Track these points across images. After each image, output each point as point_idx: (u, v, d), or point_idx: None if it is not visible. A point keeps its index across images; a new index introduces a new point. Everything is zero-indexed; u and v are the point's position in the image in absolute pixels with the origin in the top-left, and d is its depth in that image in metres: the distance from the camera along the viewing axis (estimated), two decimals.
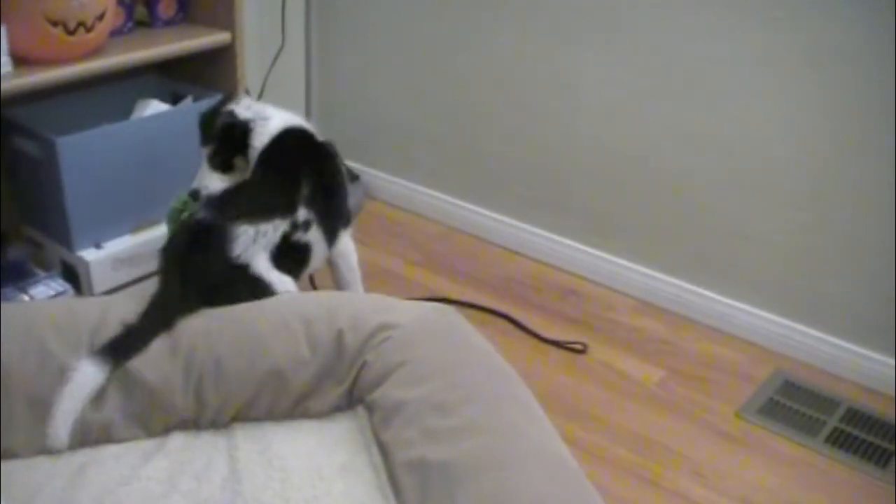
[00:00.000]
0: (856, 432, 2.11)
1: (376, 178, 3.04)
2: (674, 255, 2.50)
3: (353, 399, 1.46)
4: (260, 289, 1.62)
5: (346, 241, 1.94)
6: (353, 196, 2.86)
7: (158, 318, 1.47)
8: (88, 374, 1.38)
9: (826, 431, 2.11)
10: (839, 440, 2.08)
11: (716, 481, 1.94)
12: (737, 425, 2.11)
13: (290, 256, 1.72)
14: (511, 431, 1.27)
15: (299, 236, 1.75)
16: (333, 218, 1.86)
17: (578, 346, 2.34)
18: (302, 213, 1.75)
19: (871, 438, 2.10)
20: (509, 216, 2.79)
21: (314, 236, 1.79)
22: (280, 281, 1.67)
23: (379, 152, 3.02)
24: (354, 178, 2.97)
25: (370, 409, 1.42)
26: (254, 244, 1.64)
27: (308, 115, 3.05)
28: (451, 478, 1.20)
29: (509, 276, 2.66)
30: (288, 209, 1.73)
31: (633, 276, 2.57)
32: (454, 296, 2.51)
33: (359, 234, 2.76)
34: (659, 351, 2.36)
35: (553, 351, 2.33)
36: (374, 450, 1.36)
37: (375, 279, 2.47)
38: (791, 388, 2.25)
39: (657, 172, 2.45)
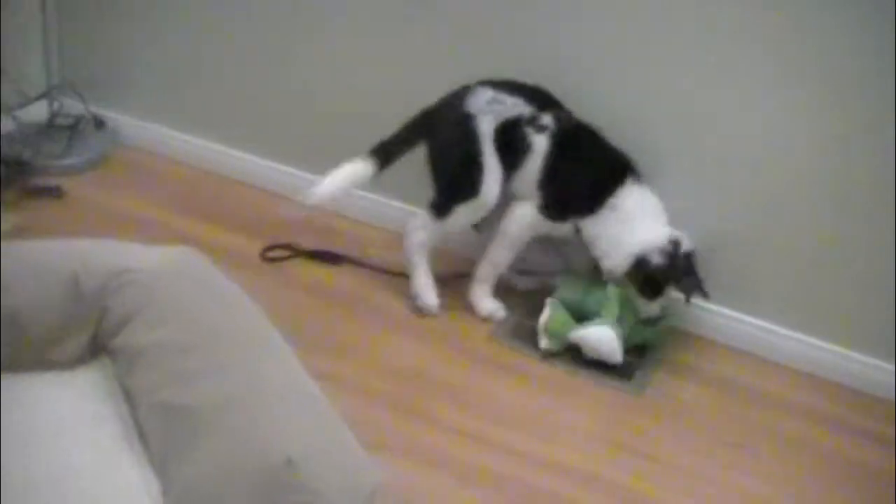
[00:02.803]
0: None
1: (128, 124, 2.86)
2: None
3: (97, 348, 1.42)
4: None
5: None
6: (101, 143, 2.70)
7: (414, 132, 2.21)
8: (359, 165, 2.18)
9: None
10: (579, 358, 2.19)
11: (475, 407, 2.04)
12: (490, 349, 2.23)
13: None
14: (256, 371, 1.29)
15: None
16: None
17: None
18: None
19: None
20: (274, 160, 2.72)
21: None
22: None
23: (130, 96, 2.85)
24: (100, 124, 2.81)
25: (114, 356, 1.39)
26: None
27: (45, 53, 2.81)
28: (194, 420, 1.21)
29: (272, 219, 2.60)
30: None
31: (389, 211, 2.57)
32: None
33: (111, 181, 2.64)
34: None
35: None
36: (121, 398, 1.34)
37: (131, 229, 2.39)
38: None
39: None
